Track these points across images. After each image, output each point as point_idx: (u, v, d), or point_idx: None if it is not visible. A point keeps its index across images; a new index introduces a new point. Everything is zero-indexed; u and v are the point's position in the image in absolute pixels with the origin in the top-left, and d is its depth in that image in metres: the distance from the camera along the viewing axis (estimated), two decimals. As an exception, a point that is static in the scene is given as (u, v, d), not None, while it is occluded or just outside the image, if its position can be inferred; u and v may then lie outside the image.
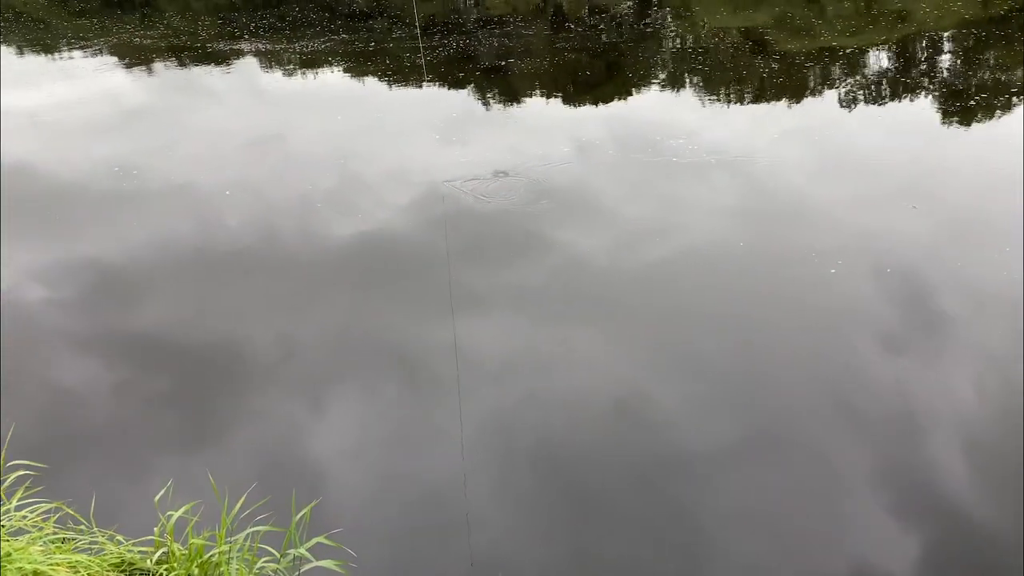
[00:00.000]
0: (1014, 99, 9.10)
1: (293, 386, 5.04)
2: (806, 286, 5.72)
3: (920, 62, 11.19)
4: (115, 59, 14.55)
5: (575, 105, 10.36)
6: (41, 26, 18.52)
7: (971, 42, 11.62)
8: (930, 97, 9.72)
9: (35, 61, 14.93)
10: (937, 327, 5.15)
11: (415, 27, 15.54)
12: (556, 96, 10.78)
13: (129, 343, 5.67)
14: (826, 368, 4.86)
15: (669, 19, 15.20)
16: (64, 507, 3.03)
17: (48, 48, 15.83)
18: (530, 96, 10.86)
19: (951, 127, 8.67)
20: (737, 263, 6.07)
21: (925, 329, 5.14)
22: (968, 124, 8.69)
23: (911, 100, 9.63)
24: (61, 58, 14.92)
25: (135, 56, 14.68)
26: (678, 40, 13.28)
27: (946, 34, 12.21)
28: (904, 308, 5.35)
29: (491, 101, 10.77)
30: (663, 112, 9.77)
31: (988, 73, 10.25)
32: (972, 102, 9.21)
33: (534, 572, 3.68)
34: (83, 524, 3.06)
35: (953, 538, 3.73)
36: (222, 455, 4.48)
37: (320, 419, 4.74)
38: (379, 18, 17.08)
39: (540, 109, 10.30)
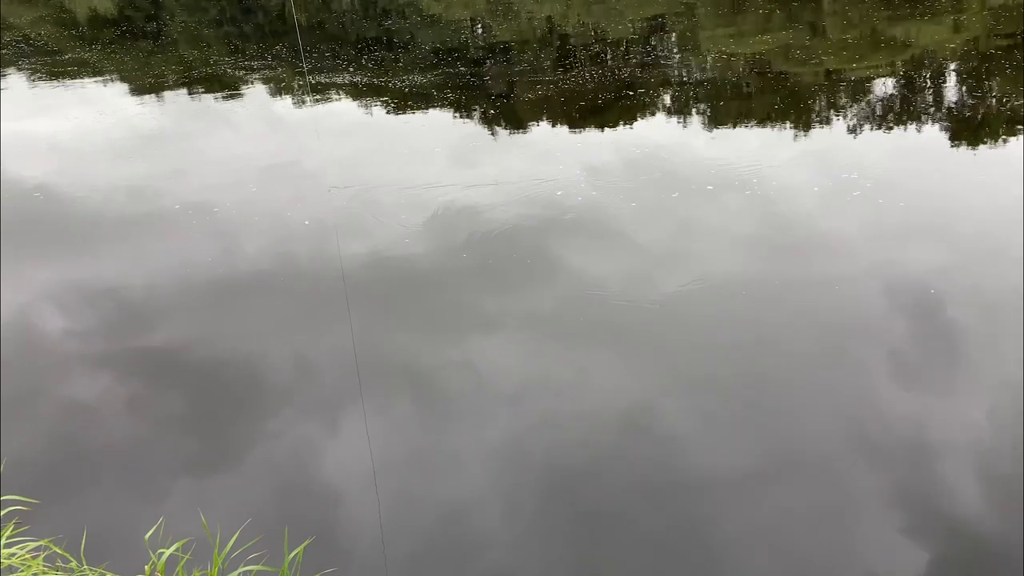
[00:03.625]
0: (1019, 125, 9.06)
1: (306, 408, 5.06)
2: (820, 311, 5.72)
3: (925, 88, 11.18)
4: (129, 86, 14.74)
5: (582, 130, 10.40)
6: (54, 53, 18.76)
7: (975, 69, 11.61)
8: (936, 122, 9.70)
9: (49, 87, 15.11)
10: (952, 353, 5.13)
11: (424, 55, 15.66)
12: (563, 122, 10.82)
13: (142, 365, 5.73)
14: (840, 392, 4.87)
15: (674, 46, 15.27)
16: (51, 545, 3.00)
17: (62, 75, 16.03)
18: (538, 122, 10.91)
19: (959, 152, 8.64)
20: (750, 287, 6.08)
21: (940, 355, 5.12)
22: (976, 148, 8.66)
23: (918, 125, 9.62)
24: (75, 85, 15.11)
25: (149, 83, 14.87)
26: (684, 67, 13.32)
27: (950, 61, 12.21)
28: (919, 334, 5.33)
29: (499, 127, 10.83)
30: (672, 137, 9.79)
31: (993, 99, 10.23)
32: (978, 127, 9.19)
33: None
34: (72, 562, 3.03)
35: (967, 562, 3.69)
36: (231, 480, 4.50)
37: (332, 442, 4.74)
38: (386, 47, 17.24)
39: (548, 135, 10.35)
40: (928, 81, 11.59)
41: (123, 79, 15.44)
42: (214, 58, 17.17)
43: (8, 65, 17.43)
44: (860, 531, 3.88)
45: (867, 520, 3.93)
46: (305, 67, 14.90)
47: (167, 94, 14.03)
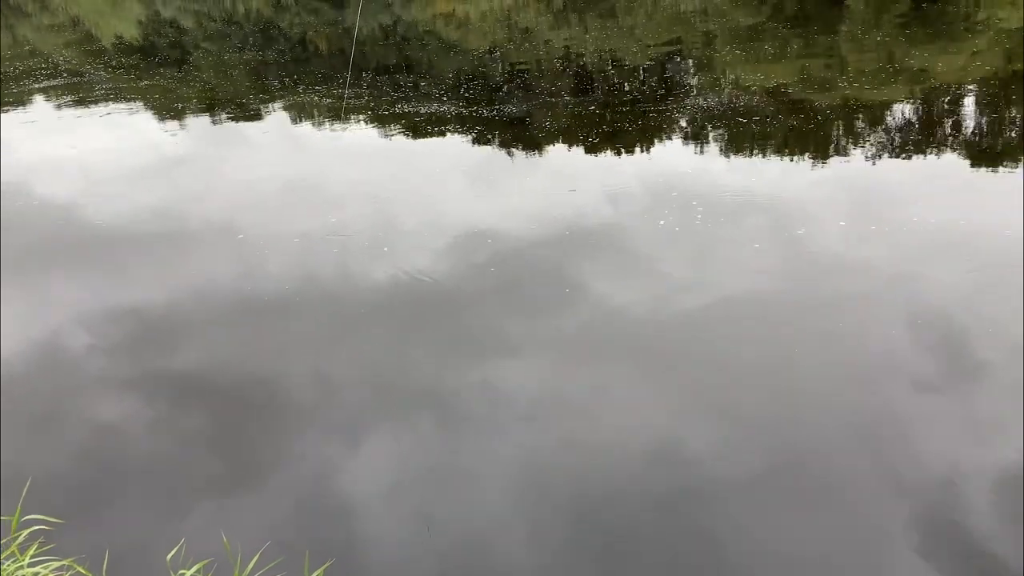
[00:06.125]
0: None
1: (327, 428, 5.09)
2: (842, 335, 5.72)
3: (943, 117, 11.17)
4: (154, 111, 15.01)
5: (601, 155, 10.47)
6: (81, 78, 19.13)
7: (995, 98, 11.60)
8: (955, 151, 9.68)
9: (76, 111, 15.41)
10: (973, 377, 5.12)
11: (444, 82, 15.84)
12: (581, 147, 10.90)
13: (166, 385, 5.81)
14: (862, 416, 4.86)
15: (692, 73, 15.37)
16: (74, 564, 3.04)
17: (88, 100, 16.34)
18: (555, 147, 11.00)
19: (979, 181, 8.62)
20: (771, 311, 6.10)
21: (961, 379, 5.11)
22: (995, 179, 8.64)
23: (937, 153, 9.60)
24: (101, 109, 15.39)
25: (173, 108, 15.13)
26: (701, 93, 13.39)
27: (969, 90, 12.21)
28: (940, 359, 5.32)
29: (517, 152, 10.93)
30: (690, 163, 9.84)
31: (1014, 129, 10.21)
32: (998, 156, 9.17)
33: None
34: (95, 581, 3.07)
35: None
36: (252, 501, 4.54)
37: (353, 462, 4.77)
38: (406, 73, 17.45)
39: (566, 159, 10.43)
40: (947, 108, 11.58)
41: (148, 104, 15.72)
42: (236, 84, 17.45)
43: (36, 90, 17.78)
44: (884, 554, 3.87)
45: (889, 543, 3.91)
46: (345, 96, 15.11)
47: (190, 118, 14.27)
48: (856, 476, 4.34)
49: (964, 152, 9.61)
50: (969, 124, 10.79)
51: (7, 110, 16.04)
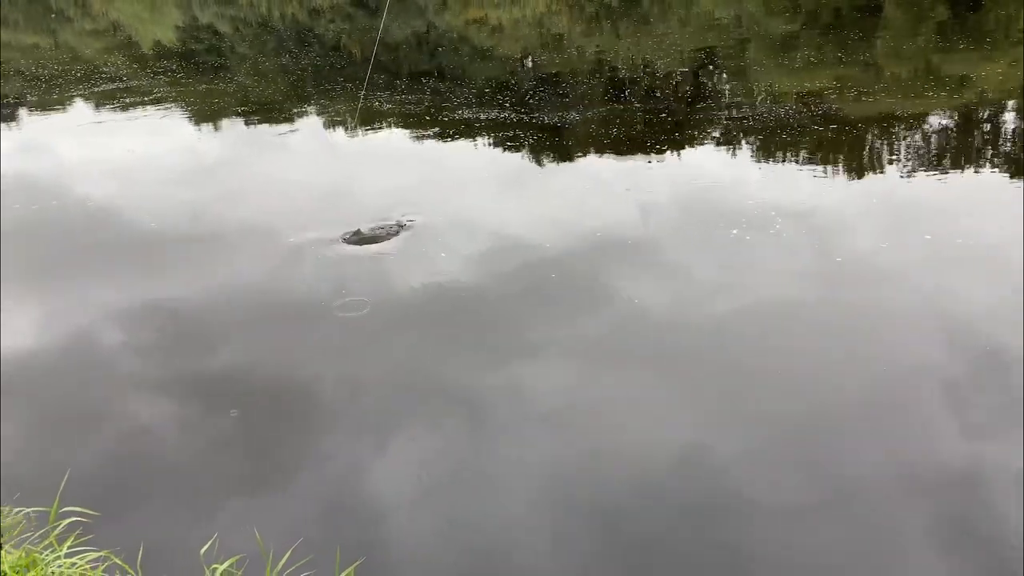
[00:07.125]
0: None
1: (356, 429, 5.14)
2: (873, 346, 5.65)
3: (984, 128, 11.00)
4: (191, 114, 15.27)
5: (632, 163, 10.45)
6: (119, 82, 19.49)
7: (1037, 107, 11.40)
8: (995, 163, 9.53)
9: (114, 114, 15.71)
10: (1008, 392, 5.02)
11: (476, 88, 15.91)
12: (613, 154, 10.89)
13: (200, 384, 5.88)
14: (892, 427, 4.81)
15: (725, 81, 15.29)
16: (112, 556, 3.09)
17: (127, 103, 16.64)
18: (587, 154, 11.00)
19: (1017, 193, 8.48)
20: (802, 321, 6.05)
21: (995, 393, 5.02)
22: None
23: (976, 165, 9.46)
24: (139, 112, 15.67)
25: (210, 112, 15.38)
26: (734, 102, 13.32)
27: (1010, 99, 12.01)
28: (976, 372, 5.25)
29: (549, 158, 10.94)
30: (722, 171, 9.80)
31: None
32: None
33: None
34: (131, 573, 3.11)
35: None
36: (283, 500, 4.60)
37: (379, 463, 4.80)
38: (439, 79, 17.56)
39: (597, 166, 10.43)
40: (986, 119, 11.40)
41: (185, 107, 15.98)
42: (272, 88, 17.68)
43: (76, 93, 18.15)
44: (910, 571, 3.81)
45: (918, 560, 3.85)
46: (362, 96, 15.24)
47: (227, 122, 14.48)
48: (885, 491, 4.28)
49: (1004, 163, 9.45)
50: (1009, 134, 10.61)
51: (52, 113, 16.41)
